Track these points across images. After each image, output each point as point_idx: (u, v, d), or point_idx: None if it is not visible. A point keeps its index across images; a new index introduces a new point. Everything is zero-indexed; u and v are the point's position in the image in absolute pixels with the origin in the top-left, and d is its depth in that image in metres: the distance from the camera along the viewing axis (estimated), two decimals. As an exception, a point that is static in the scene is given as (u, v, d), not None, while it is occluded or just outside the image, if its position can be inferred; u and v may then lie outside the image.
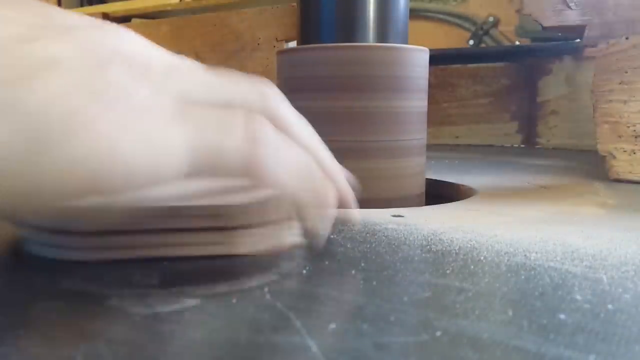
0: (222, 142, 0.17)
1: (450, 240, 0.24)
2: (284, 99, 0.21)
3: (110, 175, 0.15)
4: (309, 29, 0.37)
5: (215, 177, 0.21)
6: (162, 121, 0.16)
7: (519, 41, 0.84)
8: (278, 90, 0.21)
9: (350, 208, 0.22)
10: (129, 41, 0.18)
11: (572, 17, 0.48)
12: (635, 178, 0.41)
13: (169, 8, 0.77)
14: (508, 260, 0.21)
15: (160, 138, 0.16)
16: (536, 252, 0.22)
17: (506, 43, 0.88)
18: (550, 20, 0.49)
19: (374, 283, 0.18)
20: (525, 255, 0.22)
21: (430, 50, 0.36)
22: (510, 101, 0.80)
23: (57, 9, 0.18)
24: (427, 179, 0.38)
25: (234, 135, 0.17)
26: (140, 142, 0.16)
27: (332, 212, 0.21)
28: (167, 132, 0.16)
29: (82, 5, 1.04)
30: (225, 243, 0.21)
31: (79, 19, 0.17)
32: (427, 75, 0.36)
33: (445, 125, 0.83)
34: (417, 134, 0.35)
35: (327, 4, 0.35)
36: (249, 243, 0.21)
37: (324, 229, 0.21)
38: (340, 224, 0.24)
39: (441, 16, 0.94)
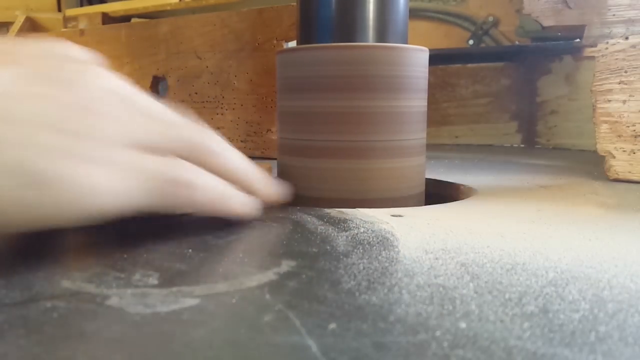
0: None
1: (450, 240, 0.24)
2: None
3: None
4: (309, 28, 0.37)
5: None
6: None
7: (518, 41, 0.84)
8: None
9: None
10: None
11: (572, 17, 0.48)
12: (635, 178, 0.41)
13: (168, 8, 0.77)
14: (508, 260, 0.21)
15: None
16: (536, 252, 0.22)
17: (506, 43, 0.87)
18: (550, 20, 0.49)
19: (374, 283, 0.18)
20: (525, 255, 0.22)
21: (430, 50, 0.36)
22: (510, 101, 0.80)
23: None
24: (427, 179, 0.38)
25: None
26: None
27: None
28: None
29: (82, 5, 1.04)
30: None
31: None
32: (427, 75, 0.36)
33: (445, 125, 0.83)
34: (417, 133, 0.35)
35: (326, 4, 0.35)
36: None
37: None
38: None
39: (441, 16, 0.94)
